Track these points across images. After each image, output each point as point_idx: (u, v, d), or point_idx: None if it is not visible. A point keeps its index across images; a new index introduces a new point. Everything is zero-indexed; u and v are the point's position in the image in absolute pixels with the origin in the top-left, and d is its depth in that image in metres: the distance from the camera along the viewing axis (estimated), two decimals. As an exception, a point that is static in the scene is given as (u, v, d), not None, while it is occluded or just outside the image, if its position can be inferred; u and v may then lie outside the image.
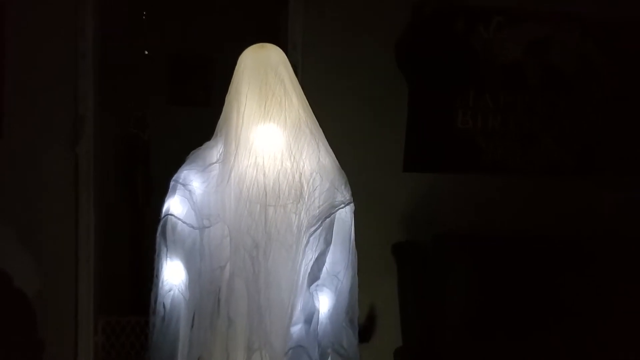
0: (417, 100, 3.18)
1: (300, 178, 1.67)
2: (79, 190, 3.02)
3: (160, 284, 1.76)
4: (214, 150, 1.75)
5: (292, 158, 1.67)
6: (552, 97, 3.28)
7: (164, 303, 1.75)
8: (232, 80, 1.77)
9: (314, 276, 1.69)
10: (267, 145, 1.68)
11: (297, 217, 1.66)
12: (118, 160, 4.33)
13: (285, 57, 1.78)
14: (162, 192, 4.67)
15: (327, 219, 1.68)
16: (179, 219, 1.72)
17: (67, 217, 3.03)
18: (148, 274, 4.46)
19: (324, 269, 1.71)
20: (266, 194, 1.64)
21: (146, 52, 4.51)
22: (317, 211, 1.67)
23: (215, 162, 1.72)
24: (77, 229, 3.04)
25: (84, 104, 3.02)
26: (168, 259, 1.75)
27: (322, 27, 3.09)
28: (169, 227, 1.74)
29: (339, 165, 1.76)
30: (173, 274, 1.75)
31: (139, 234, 4.40)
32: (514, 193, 3.28)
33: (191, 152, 1.80)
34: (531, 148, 3.28)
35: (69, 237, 3.04)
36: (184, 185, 1.74)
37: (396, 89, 3.14)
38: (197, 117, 4.51)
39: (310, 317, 1.70)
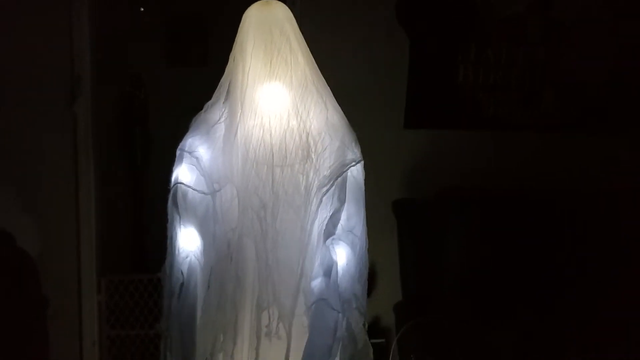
0: (418, 55, 3.15)
1: (307, 138, 1.65)
2: (78, 150, 3.01)
3: (176, 252, 1.77)
4: (216, 111, 1.74)
5: (298, 117, 1.65)
6: (554, 50, 3.25)
7: (182, 270, 1.76)
8: (236, 38, 1.73)
9: (329, 232, 1.69)
10: (273, 105, 1.65)
11: (304, 177, 1.65)
12: (116, 120, 4.31)
13: (291, 13, 1.74)
14: (160, 151, 4.68)
15: (339, 178, 1.68)
16: (189, 186, 1.72)
17: (67, 176, 3.02)
18: (149, 232, 4.52)
19: (339, 225, 1.71)
20: (273, 155, 1.63)
21: (142, 9, 4.45)
22: (328, 171, 1.67)
23: (219, 122, 1.71)
24: (78, 189, 3.04)
25: (81, 63, 2.98)
26: (182, 226, 1.76)
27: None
28: (179, 195, 1.74)
29: (348, 123, 1.74)
30: (188, 241, 1.76)
31: (138, 192, 4.41)
32: (515, 149, 3.27)
33: (193, 119, 1.78)
34: (532, 103, 3.27)
35: (69, 196, 3.04)
36: (190, 152, 1.73)
37: (397, 44, 3.11)
38: (194, 76, 4.50)
39: (329, 270, 1.71)
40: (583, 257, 2.97)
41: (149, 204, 4.46)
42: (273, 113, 1.65)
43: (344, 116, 1.74)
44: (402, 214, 3.01)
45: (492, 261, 2.92)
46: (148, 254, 4.39)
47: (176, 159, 1.77)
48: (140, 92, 4.30)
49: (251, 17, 1.71)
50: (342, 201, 1.70)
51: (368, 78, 3.09)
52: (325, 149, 1.67)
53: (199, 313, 1.75)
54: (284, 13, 1.72)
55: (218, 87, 1.76)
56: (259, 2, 1.74)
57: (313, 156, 1.66)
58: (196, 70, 4.54)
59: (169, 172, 4.58)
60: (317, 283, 1.71)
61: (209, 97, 4.90)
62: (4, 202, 2.94)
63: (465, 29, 3.18)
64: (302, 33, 1.67)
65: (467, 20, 3.17)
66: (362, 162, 1.74)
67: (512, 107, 3.26)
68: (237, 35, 1.73)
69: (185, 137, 1.77)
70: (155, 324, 3.28)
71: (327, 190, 1.66)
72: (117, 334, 3.31)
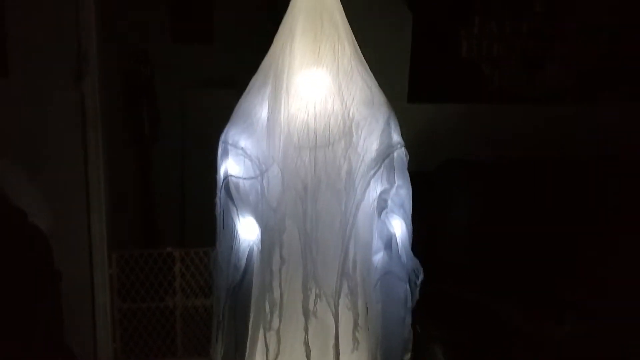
0: (421, 29, 3.15)
1: (351, 123, 1.68)
2: (87, 126, 3.04)
3: (237, 243, 1.80)
4: (255, 95, 1.76)
5: (343, 103, 1.68)
6: (557, 22, 3.24)
7: (242, 260, 1.80)
8: (283, 21, 1.74)
9: (381, 206, 1.74)
10: (318, 90, 1.68)
11: (346, 161, 1.68)
12: (123, 96, 4.33)
13: (339, 2, 1.75)
14: (167, 126, 4.70)
15: (386, 160, 1.72)
16: (239, 177, 1.75)
17: (75, 153, 3.06)
18: (158, 207, 4.54)
19: (390, 200, 1.76)
20: (316, 138, 1.66)
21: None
22: (375, 154, 1.70)
23: (259, 105, 1.73)
24: (87, 165, 3.07)
25: (87, 40, 2.99)
26: (240, 217, 1.78)
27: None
28: (232, 187, 1.77)
29: (392, 108, 1.77)
30: (248, 231, 1.79)
31: (147, 167, 4.45)
32: (520, 120, 3.29)
33: (235, 108, 1.81)
34: (537, 74, 3.27)
35: (78, 172, 3.08)
36: (234, 145, 1.76)
37: (399, 17, 3.11)
38: (200, 52, 4.51)
39: (389, 242, 1.76)
40: (587, 225, 2.99)
41: (157, 179, 4.50)
42: (318, 98, 1.67)
43: (388, 101, 1.77)
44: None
45: (497, 231, 2.95)
46: (157, 228, 4.44)
47: (221, 152, 1.80)
48: (146, 68, 4.32)
49: (302, 2, 1.72)
50: (391, 182, 1.74)
51: (371, 53, 3.08)
52: (371, 133, 1.70)
53: (254, 296, 1.80)
54: (334, 2, 1.74)
55: (259, 69, 1.77)
56: None
57: (356, 141, 1.68)
58: (202, 46, 4.55)
59: (177, 146, 4.60)
60: (379, 257, 1.76)
61: (215, 73, 4.91)
62: (14, 180, 2.97)
63: (468, 2, 3.17)
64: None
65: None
66: (404, 146, 1.79)
67: (516, 79, 3.26)
68: (285, 18, 1.74)
69: (226, 129, 1.80)
70: (165, 297, 3.36)
71: (375, 173, 1.70)
72: (128, 307, 3.37)
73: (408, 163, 1.80)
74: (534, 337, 2.60)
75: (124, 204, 3.97)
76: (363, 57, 1.76)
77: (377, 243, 1.76)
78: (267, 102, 1.72)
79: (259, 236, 1.77)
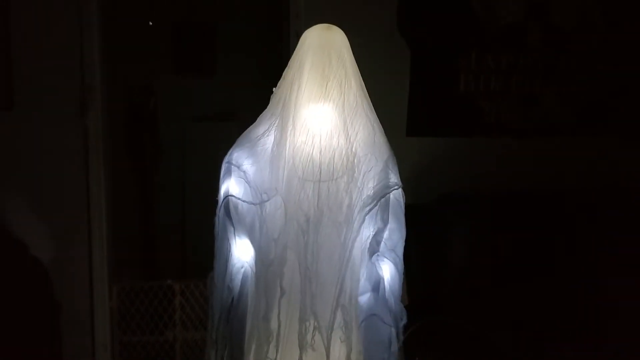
0: (419, 64, 3.20)
1: (353, 159, 1.70)
2: (89, 159, 3.08)
3: (230, 263, 1.81)
4: (262, 126, 1.78)
5: (347, 138, 1.70)
6: (553, 57, 3.30)
7: (236, 281, 1.81)
8: (293, 56, 1.78)
9: (373, 249, 1.74)
10: (323, 124, 1.71)
11: (348, 196, 1.70)
12: (126, 129, 4.37)
13: (347, 40, 1.79)
14: (169, 158, 4.73)
15: (382, 199, 1.73)
16: (239, 199, 1.76)
17: (78, 186, 3.09)
18: (159, 240, 4.54)
19: (382, 244, 1.76)
20: (320, 172, 1.68)
21: (150, 23, 4.51)
22: (372, 191, 1.72)
23: (264, 137, 1.75)
24: (89, 197, 3.10)
25: (91, 74, 3.05)
26: (237, 237, 1.80)
27: (324, -6, 3.10)
28: (231, 207, 1.78)
29: (391, 148, 1.79)
30: (243, 252, 1.81)
31: (148, 200, 4.46)
32: (517, 153, 3.32)
33: (240, 137, 1.83)
34: (533, 109, 3.31)
35: (81, 205, 3.11)
36: (237, 167, 1.77)
37: (398, 53, 3.16)
38: (201, 87, 4.57)
39: (377, 285, 1.76)
40: (585, 257, 2.99)
41: (158, 212, 4.52)
42: (323, 132, 1.70)
43: (388, 141, 1.79)
44: (406, 219, 3.04)
45: (496, 264, 2.95)
46: (158, 260, 4.44)
47: (223, 172, 1.81)
48: (149, 102, 4.36)
49: (313, 39, 1.77)
50: (385, 222, 1.75)
51: (370, 87, 3.13)
52: (370, 169, 1.72)
53: (248, 321, 1.81)
54: (342, 40, 1.78)
55: (271, 101, 1.80)
56: (320, 25, 1.81)
57: (357, 176, 1.70)
58: (204, 80, 4.61)
59: (178, 179, 4.63)
60: (365, 299, 1.76)
61: (216, 106, 4.94)
62: (17, 211, 2.99)
63: (465, 37, 3.23)
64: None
65: (467, 28, 3.22)
66: (402, 187, 1.79)
67: (513, 113, 3.30)
68: (295, 54, 1.78)
69: (231, 151, 1.81)
70: (165, 330, 3.36)
71: (370, 210, 1.71)
72: (128, 339, 3.36)
73: (405, 197, 1.82)
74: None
75: (125, 236, 3.98)
76: (368, 95, 1.79)
77: (364, 284, 1.77)
78: (273, 134, 1.75)
79: (254, 258, 1.78)
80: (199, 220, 4.59)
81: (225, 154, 1.86)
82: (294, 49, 2.99)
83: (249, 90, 4.27)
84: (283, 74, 1.79)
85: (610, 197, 3.14)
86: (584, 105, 3.35)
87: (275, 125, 1.75)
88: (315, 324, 1.71)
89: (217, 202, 1.83)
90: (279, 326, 1.73)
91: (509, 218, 3.03)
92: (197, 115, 4.60)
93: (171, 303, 3.34)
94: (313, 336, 1.71)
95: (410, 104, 3.19)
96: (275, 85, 1.80)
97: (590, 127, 3.37)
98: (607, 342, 2.64)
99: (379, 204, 1.72)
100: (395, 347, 1.78)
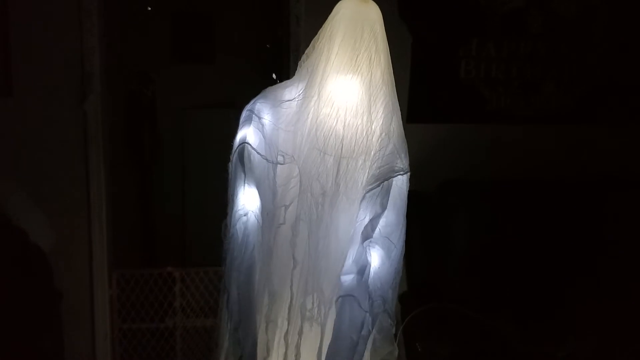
0: (420, 51, 3.19)
1: (372, 137, 1.68)
2: (89, 147, 3.07)
3: (235, 209, 1.79)
4: (291, 89, 1.75)
5: (370, 116, 1.68)
6: (554, 43, 3.28)
7: (239, 228, 1.79)
8: (324, 25, 1.74)
9: (367, 235, 1.73)
10: (349, 98, 1.67)
11: (364, 175, 1.69)
12: (125, 116, 4.36)
13: (381, 16, 1.75)
14: (168, 146, 4.72)
15: (385, 182, 1.71)
16: (254, 149, 1.74)
17: (77, 173, 3.08)
18: (159, 227, 4.54)
19: (377, 230, 1.75)
20: (342, 146, 1.66)
21: (149, 8, 4.49)
22: (377, 171, 1.70)
23: (291, 100, 1.73)
24: (89, 185, 3.09)
25: (90, 61, 3.03)
26: (246, 184, 1.77)
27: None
28: (245, 154, 1.75)
29: (403, 133, 1.78)
30: (250, 200, 1.78)
31: (147, 187, 4.46)
32: (518, 141, 3.32)
33: (265, 89, 1.81)
34: (534, 96, 3.31)
35: (80, 192, 3.10)
36: (258, 117, 1.75)
37: (399, 40, 3.14)
38: (201, 73, 4.55)
39: (362, 269, 1.74)
40: (587, 246, 3.00)
41: (157, 199, 4.52)
42: (349, 106, 1.67)
43: (402, 125, 1.77)
44: (407, 206, 3.04)
45: (496, 251, 2.96)
46: (158, 248, 4.45)
47: (243, 118, 1.79)
48: (148, 89, 4.35)
49: (346, 9, 1.72)
50: (383, 207, 1.73)
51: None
52: (381, 149, 1.70)
53: (257, 273, 1.79)
54: (377, 14, 1.73)
55: (298, 68, 1.77)
56: None
57: (372, 155, 1.69)
58: (202, 67, 4.59)
59: (178, 166, 4.61)
60: (347, 279, 1.74)
61: (216, 93, 4.92)
62: (16, 199, 2.99)
63: (466, 24, 3.21)
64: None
65: (468, 15, 3.20)
66: (409, 174, 1.78)
67: (514, 100, 3.30)
68: (326, 23, 1.73)
69: (254, 100, 1.79)
70: (165, 317, 3.36)
71: (372, 189, 1.70)
72: (128, 327, 3.36)
73: (409, 182, 1.80)
74: (534, 357, 2.60)
75: (125, 224, 3.98)
76: (393, 77, 1.75)
77: (350, 266, 1.75)
78: (297, 98, 1.72)
79: (260, 208, 1.76)
80: (199, 207, 4.64)
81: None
82: (294, 34, 2.98)
83: (248, 77, 4.28)
84: (312, 42, 1.74)
85: (611, 187, 3.14)
86: (585, 92, 3.33)
87: (301, 90, 1.72)
88: (314, 297, 1.72)
89: (231, 148, 1.80)
90: (291, 298, 1.73)
91: (510, 205, 3.04)
92: (197, 103, 4.59)
93: (171, 290, 3.34)
94: (318, 310, 1.72)
95: (411, 91, 3.18)
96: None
97: (591, 114, 3.36)
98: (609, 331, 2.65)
99: (381, 186, 1.71)
100: (366, 331, 1.75)
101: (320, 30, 1.74)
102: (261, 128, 1.74)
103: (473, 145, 3.26)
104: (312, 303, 1.72)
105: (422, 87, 3.20)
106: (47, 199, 3.03)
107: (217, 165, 4.32)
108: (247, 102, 1.83)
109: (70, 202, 3.10)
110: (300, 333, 1.73)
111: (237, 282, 1.80)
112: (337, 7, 1.74)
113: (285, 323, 1.74)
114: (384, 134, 1.70)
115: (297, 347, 1.72)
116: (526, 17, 3.24)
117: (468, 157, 3.24)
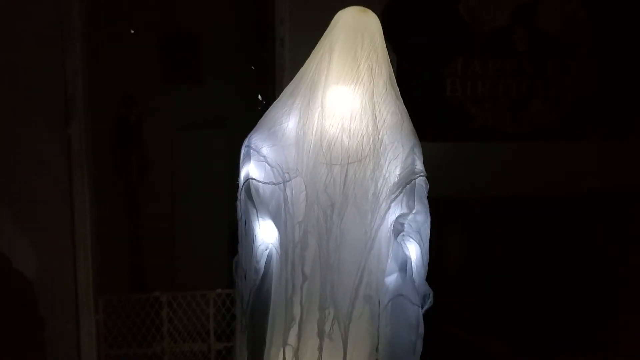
0: (405, 70, 3.18)
1: (380, 146, 1.67)
2: (73, 171, 3.03)
3: (254, 245, 1.76)
4: (282, 106, 1.73)
5: (375, 125, 1.66)
6: (539, 60, 3.29)
7: (261, 262, 1.76)
8: (324, 36, 1.74)
9: (398, 230, 1.69)
10: (352, 107, 1.66)
11: (373, 183, 1.66)
12: (110, 140, 4.33)
13: (380, 26, 1.76)
14: (157, 167, 4.66)
15: (408, 185, 1.70)
16: (260, 181, 1.71)
17: (62, 197, 3.04)
18: (146, 251, 4.48)
19: (407, 225, 1.72)
20: (348, 156, 1.64)
21: (132, 31, 4.48)
22: (397, 178, 1.68)
23: (285, 116, 1.71)
24: (73, 209, 3.05)
25: (73, 85, 3.00)
26: (260, 219, 1.74)
27: (309, 0, 3.08)
28: (252, 190, 1.73)
29: (417, 136, 1.77)
30: (267, 233, 1.75)
31: (134, 211, 4.42)
32: (505, 158, 3.31)
33: (261, 118, 1.78)
34: (521, 112, 3.31)
35: (65, 217, 3.06)
36: (257, 150, 1.73)
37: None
38: (190, 94, 4.53)
39: (403, 265, 1.71)
40: (578, 258, 2.99)
41: (145, 222, 4.47)
42: (352, 115, 1.66)
43: (414, 129, 1.77)
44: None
45: (487, 268, 2.95)
46: (145, 273, 4.39)
47: (243, 155, 1.77)
48: (133, 113, 4.32)
49: (347, 20, 1.73)
50: (410, 208, 1.71)
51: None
52: (396, 157, 1.69)
53: (271, 306, 1.76)
54: (377, 25, 1.75)
55: (294, 79, 1.75)
56: (355, 7, 1.77)
57: (383, 163, 1.67)
58: (191, 88, 4.57)
59: (166, 189, 4.57)
60: (392, 279, 1.71)
61: (204, 114, 4.88)
62: (-1, 223, 2.95)
63: (451, 42, 3.22)
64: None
65: (453, 34, 3.22)
66: (426, 175, 1.77)
67: (501, 117, 3.30)
68: (327, 34, 1.74)
69: (250, 135, 1.77)
70: (152, 343, 3.31)
71: (396, 197, 1.68)
72: (115, 353, 3.30)
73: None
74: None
75: (111, 248, 3.93)
76: (396, 83, 1.75)
77: (391, 265, 1.72)
78: (295, 114, 1.70)
79: (278, 239, 1.73)
80: (188, 230, 4.58)
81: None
82: (279, 55, 2.97)
83: (238, 96, 4.27)
84: (311, 54, 1.74)
85: (601, 201, 3.15)
86: (572, 108, 3.34)
87: (298, 106, 1.70)
88: (335, 312, 1.68)
89: (237, 186, 1.78)
90: (301, 313, 1.69)
91: (498, 223, 3.03)
92: (185, 124, 4.56)
93: (158, 315, 3.29)
94: (332, 325, 1.68)
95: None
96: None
97: (579, 130, 3.36)
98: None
99: (404, 190, 1.69)
100: (422, 329, 1.71)
101: (319, 42, 1.74)
102: (262, 161, 1.72)
103: (461, 163, 3.25)
104: (325, 318, 1.68)
105: (408, 105, 3.18)
106: (31, 224, 2.99)
107: (207, 186, 4.26)
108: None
109: (54, 227, 3.06)
110: (320, 350, 1.68)
111: (253, 315, 1.77)
112: (337, 17, 1.75)
113: (295, 338, 1.70)
114: (395, 141, 1.69)
115: None
116: (511, 34, 3.25)
117: (457, 174, 3.22)
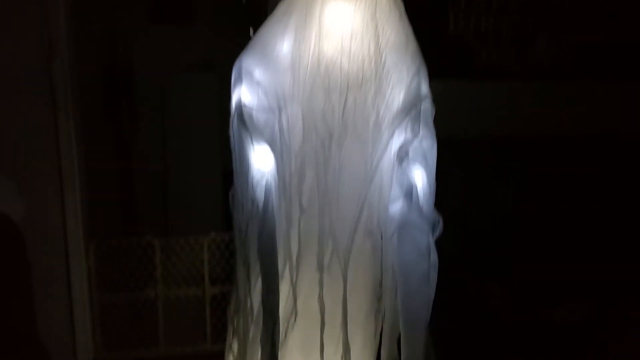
0: (407, 5, 3.07)
1: (382, 69, 1.55)
2: (57, 112, 2.91)
3: (250, 173, 1.66)
4: (279, 24, 1.59)
5: (377, 46, 1.55)
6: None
7: (257, 191, 1.66)
8: None
9: (402, 156, 1.61)
10: (353, 26, 1.54)
11: (375, 111, 1.56)
12: (99, 81, 4.22)
13: None
14: (147, 111, 4.57)
15: (413, 110, 1.60)
16: (252, 108, 1.61)
17: (47, 139, 2.93)
18: (138, 195, 4.44)
19: (412, 150, 1.63)
20: (348, 81, 1.53)
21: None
22: (402, 104, 1.58)
23: (280, 38, 1.57)
24: (59, 151, 2.95)
25: (56, 23, 2.87)
26: (255, 144, 1.63)
27: None
28: (246, 116, 1.62)
29: (423, 58, 1.66)
30: (263, 161, 1.65)
31: (126, 153, 4.36)
32: (509, 96, 3.23)
33: (252, 38, 1.64)
34: (526, 50, 3.23)
35: (51, 160, 2.96)
36: (249, 73, 1.61)
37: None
38: (179, 37, 4.41)
39: (409, 191, 1.63)
40: (576, 202, 2.97)
41: (136, 164, 4.42)
42: (353, 35, 1.53)
43: (419, 49, 1.65)
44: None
45: (489, 210, 2.92)
46: (138, 217, 4.36)
47: (234, 78, 1.65)
48: (122, 51, 4.22)
49: None
50: (415, 133, 1.62)
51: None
52: (400, 81, 1.58)
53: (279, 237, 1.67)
54: None
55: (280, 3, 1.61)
56: None
57: (385, 89, 1.56)
58: (180, 30, 4.46)
59: (158, 132, 4.47)
60: (397, 207, 1.63)
61: (194, 56, 4.78)
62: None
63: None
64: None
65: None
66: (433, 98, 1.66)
67: (505, 54, 3.21)
68: None
69: (240, 56, 1.64)
70: (145, 288, 3.28)
71: (400, 123, 1.58)
72: (107, 298, 3.27)
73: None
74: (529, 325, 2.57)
75: (102, 192, 3.87)
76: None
77: (395, 191, 1.63)
78: (290, 34, 1.57)
79: (275, 167, 1.63)
80: (181, 173, 4.54)
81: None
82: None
83: (228, 38, 4.14)
84: None
85: (606, 143, 3.11)
86: (578, 46, 3.25)
87: (293, 24, 1.56)
88: (334, 246, 1.61)
89: (229, 112, 1.67)
90: (299, 246, 1.62)
91: (503, 162, 3.00)
92: (176, 67, 4.45)
93: (151, 260, 3.25)
94: (331, 259, 1.61)
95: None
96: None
97: (585, 70, 3.28)
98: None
99: (409, 116, 1.59)
100: (435, 257, 1.63)
101: None
102: (255, 84, 1.60)
103: (464, 102, 3.19)
104: (323, 253, 1.61)
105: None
106: (16, 168, 2.90)
107: (198, 130, 4.20)
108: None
109: (41, 170, 2.96)
110: (320, 284, 1.61)
111: (260, 251, 1.66)
112: None
113: (294, 273, 1.63)
114: (399, 64, 1.58)
115: (320, 299, 1.61)
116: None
117: (459, 114, 3.16)
